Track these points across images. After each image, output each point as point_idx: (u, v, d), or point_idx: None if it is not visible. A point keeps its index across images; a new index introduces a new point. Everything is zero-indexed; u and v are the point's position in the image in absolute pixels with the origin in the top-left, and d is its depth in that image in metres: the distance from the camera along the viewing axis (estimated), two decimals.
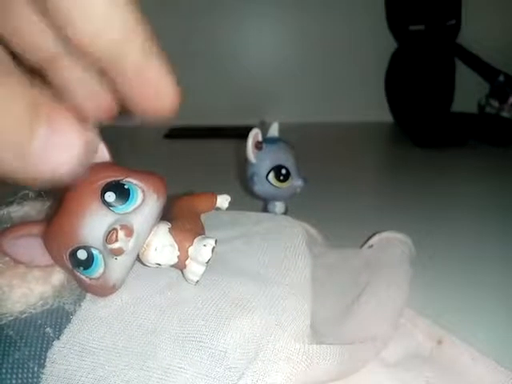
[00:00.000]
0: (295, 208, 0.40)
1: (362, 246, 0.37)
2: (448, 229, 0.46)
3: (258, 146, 0.37)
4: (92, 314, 0.22)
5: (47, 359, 0.20)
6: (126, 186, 0.20)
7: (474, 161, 0.70)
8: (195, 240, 0.23)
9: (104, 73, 0.17)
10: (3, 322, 0.21)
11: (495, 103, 0.82)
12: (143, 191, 0.21)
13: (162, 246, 0.22)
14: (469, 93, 0.85)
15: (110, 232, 0.20)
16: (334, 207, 0.51)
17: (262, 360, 0.20)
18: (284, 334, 0.21)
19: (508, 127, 0.79)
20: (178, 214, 0.25)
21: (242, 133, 0.42)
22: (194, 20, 0.91)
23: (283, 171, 0.37)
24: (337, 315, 0.29)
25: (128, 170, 0.21)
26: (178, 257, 0.22)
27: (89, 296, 0.22)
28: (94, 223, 0.20)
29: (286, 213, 0.40)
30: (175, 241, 0.22)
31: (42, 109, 0.15)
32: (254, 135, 0.37)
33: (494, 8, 0.89)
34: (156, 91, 0.18)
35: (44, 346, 0.20)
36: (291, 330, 0.21)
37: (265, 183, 0.38)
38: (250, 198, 0.43)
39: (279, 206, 0.40)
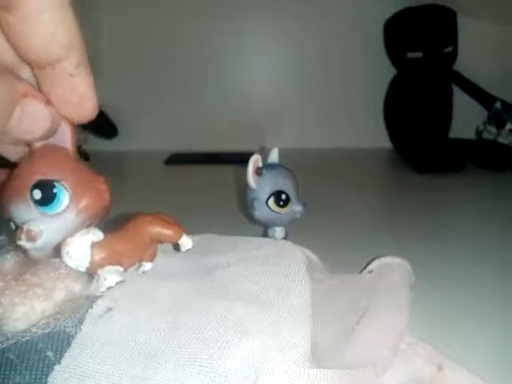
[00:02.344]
0: (295, 233, 0.40)
1: (361, 271, 0.37)
2: (447, 253, 0.46)
3: (258, 171, 0.37)
4: (92, 338, 0.22)
5: (48, 383, 0.20)
6: (54, 190, 0.21)
7: (472, 185, 0.71)
8: (106, 267, 0.22)
9: (39, 76, 0.21)
10: (4, 345, 0.21)
11: (493, 129, 0.83)
12: (70, 200, 0.21)
13: (75, 253, 0.22)
14: (466, 119, 0.86)
15: (19, 228, 0.21)
16: (334, 232, 0.51)
17: None
18: (284, 358, 0.21)
19: (505, 153, 0.80)
20: (124, 230, 0.24)
21: (242, 159, 0.42)
22: (194, 47, 0.92)
23: (283, 196, 0.38)
24: (337, 340, 0.29)
25: (72, 172, 0.22)
26: (88, 268, 0.22)
27: (89, 319, 0.23)
28: (17, 210, 0.21)
29: (285, 238, 0.40)
30: (91, 255, 0.22)
31: (18, 90, 0.20)
32: (255, 161, 0.37)
33: (490, 35, 0.91)
34: (80, 98, 0.22)
35: (45, 370, 0.20)
36: (291, 355, 0.21)
37: (265, 208, 0.38)
38: (249, 224, 0.43)
39: (279, 232, 0.40)
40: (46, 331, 0.22)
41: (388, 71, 0.90)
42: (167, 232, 0.25)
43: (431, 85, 0.85)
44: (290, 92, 0.95)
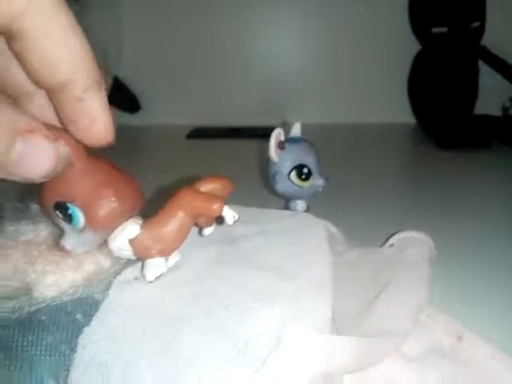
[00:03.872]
0: (316, 207, 0.40)
1: (382, 245, 0.38)
2: (469, 228, 0.46)
3: (281, 145, 0.38)
4: (119, 303, 0.22)
5: (78, 344, 0.21)
6: (69, 211, 0.21)
7: (496, 162, 0.70)
8: (147, 262, 0.24)
9: (52, 100, 0.21)
10: (36, 308, 0.22)
11: None
12: (85, 219, 0.22)
13: (116, 250, 0.23)
14: (492, 95, 0.84)
15: None
16: (355, 207, 0.51)
17: (283, 350, 0.20)
18: (305, 325, 0.22)
19: None
20: (163, 213, 0.24)
21: (264, 133, 0.42)
22: (218, 20, 0.92)
23: (305, 170, 0.38)
24: (357, 312, 0.29)
25: (80, 191, 0.21)
26: (135, 258, 0.24)
27: (116, 285, 0.23)
28: (56, 223, 0.23)
29: (307, 211, 0.41)
30: (132, 248, 0.23)
31: (20, 126, 0.19)
32: (277, 134, 0.37)
33: None
34: (90, 122, 0.21)
35: (75, 331, 0.21)
36: (312, 322, 0.22)
37: (287, 182, 0.38)
38: (271, 198, 0.44)
39: (300, 205, 0.41)
40: (74, 296, 0.23)
41: (412, 46, 0.89)
42: (206, 208, 0.23)
43: (456, 60, 0.83)
44: (312, 67, 0.95)
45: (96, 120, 0.21)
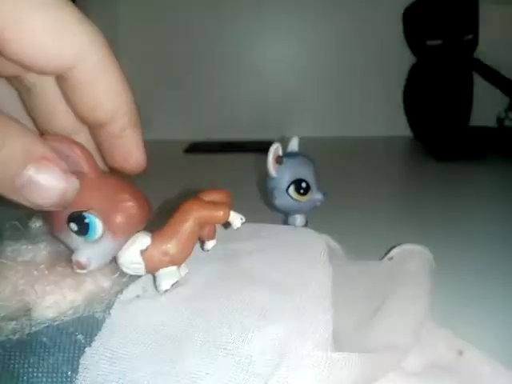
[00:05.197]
0: (315, 221, 0.40)
1: (382, 258, 0.38)
2: (467, 241, 0.46)
3: (279, 160, 0.38)
4: (122, 322, 0.22)
5: (80, 365, 0.21)
6: (86, 221, 0.22)
7: (492, 174, 0.70)
8: (159, 272, 0.24)
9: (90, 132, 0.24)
10: (37, 328, 0.22)
11: None
12: (104, 227, 0.22)
13: (127, 263, 0.23)
14: (487, 107, 0.85)
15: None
16: (354, 220, 0.51)
17: (286, 367, 0.20)
18: (307, 342, 0.22)
19: None
20: (170, 224, 0.24)
21: (262, 147, 0.43)
22: (215, 33, 0.93)
23: (303, 185, 0.38)
24: (358, 326, 0.29)
25: (98, 198, 0.22)
26: (146, 272, 0.24)
27: (118, 305, 0.23)
28: (65, 241, 0.23)
29: (306, 226, 0.41)
30: (144, 261, 0.23)
31: (35, 152, 0.19)
32: (275, 149, 0.37)
33: (511, 22, 0.89)
34: (124, 157, 0.23)
35: (76, 352, 0.21)
36: (314, 339, 0.22)
37: (285, 197, 0.38)
38: (270, 212, 0.44)
39: (299, 219, 0.41)
40: (75, 316, 0.23)
41: (407, 59, 0.89)
42: (214, 214, 0.24)
43: (451, 72, 0.84)
44: (309, 81, 0.95)
45: (130, 155, 0.23)
